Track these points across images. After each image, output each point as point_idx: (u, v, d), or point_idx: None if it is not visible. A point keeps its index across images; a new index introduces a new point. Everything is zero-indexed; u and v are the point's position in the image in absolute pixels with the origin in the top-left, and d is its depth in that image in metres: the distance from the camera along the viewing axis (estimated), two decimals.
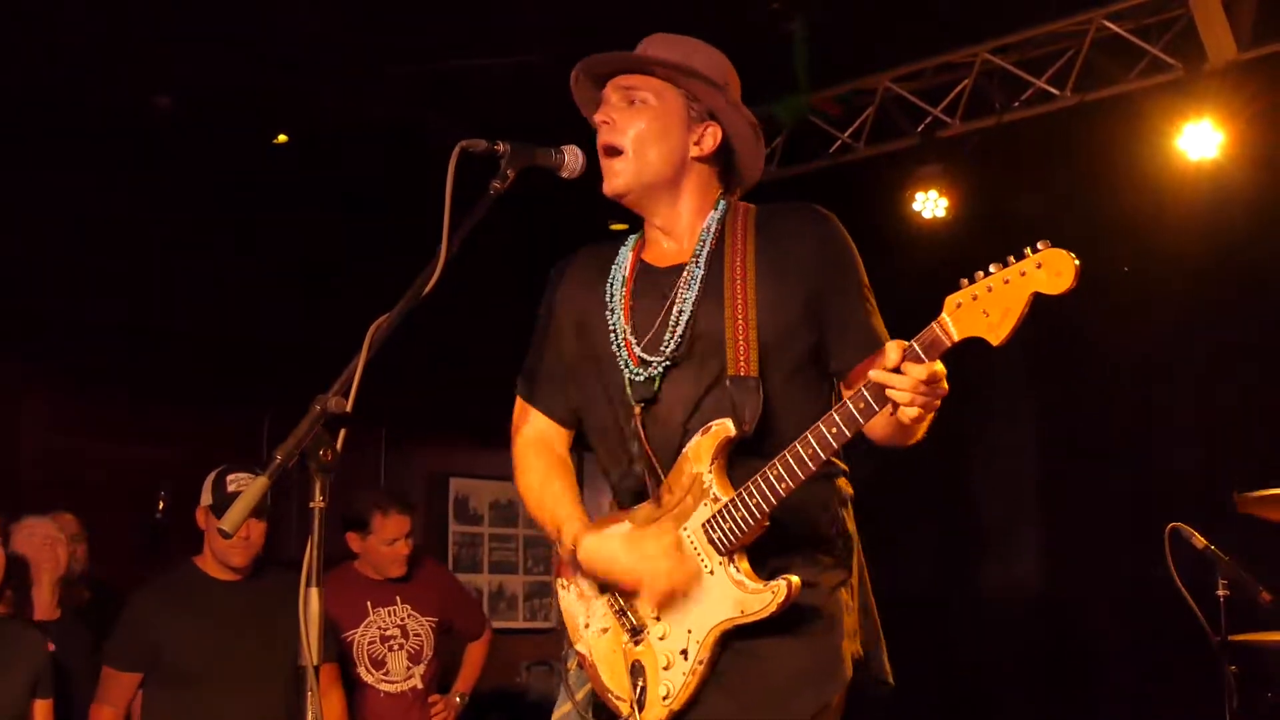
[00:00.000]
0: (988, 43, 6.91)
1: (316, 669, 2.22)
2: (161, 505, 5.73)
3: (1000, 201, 7.65)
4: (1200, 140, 6.47)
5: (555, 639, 2.94)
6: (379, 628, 5.50)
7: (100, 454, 6.68)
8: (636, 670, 2.68)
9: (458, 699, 5.72)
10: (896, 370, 2.37)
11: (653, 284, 2.83)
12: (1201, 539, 4.89)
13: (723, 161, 2.89)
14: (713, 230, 2.81)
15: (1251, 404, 6.98)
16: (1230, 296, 6.99)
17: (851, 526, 2.82)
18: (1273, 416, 6.80)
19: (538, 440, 2.97)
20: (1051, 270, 2.27)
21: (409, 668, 5.48)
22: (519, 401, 3.03)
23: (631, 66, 2.84)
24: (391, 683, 5.44)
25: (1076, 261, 2.25)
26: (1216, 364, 7.11)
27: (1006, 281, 2.30)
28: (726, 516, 2.57)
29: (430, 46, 6.37)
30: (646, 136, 2.78)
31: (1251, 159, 6.52)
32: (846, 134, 7.58)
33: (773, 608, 2.54)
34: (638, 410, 2.73)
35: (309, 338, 6.68)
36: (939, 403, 2.43)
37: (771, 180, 7.79)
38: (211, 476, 4.85)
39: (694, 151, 2.83)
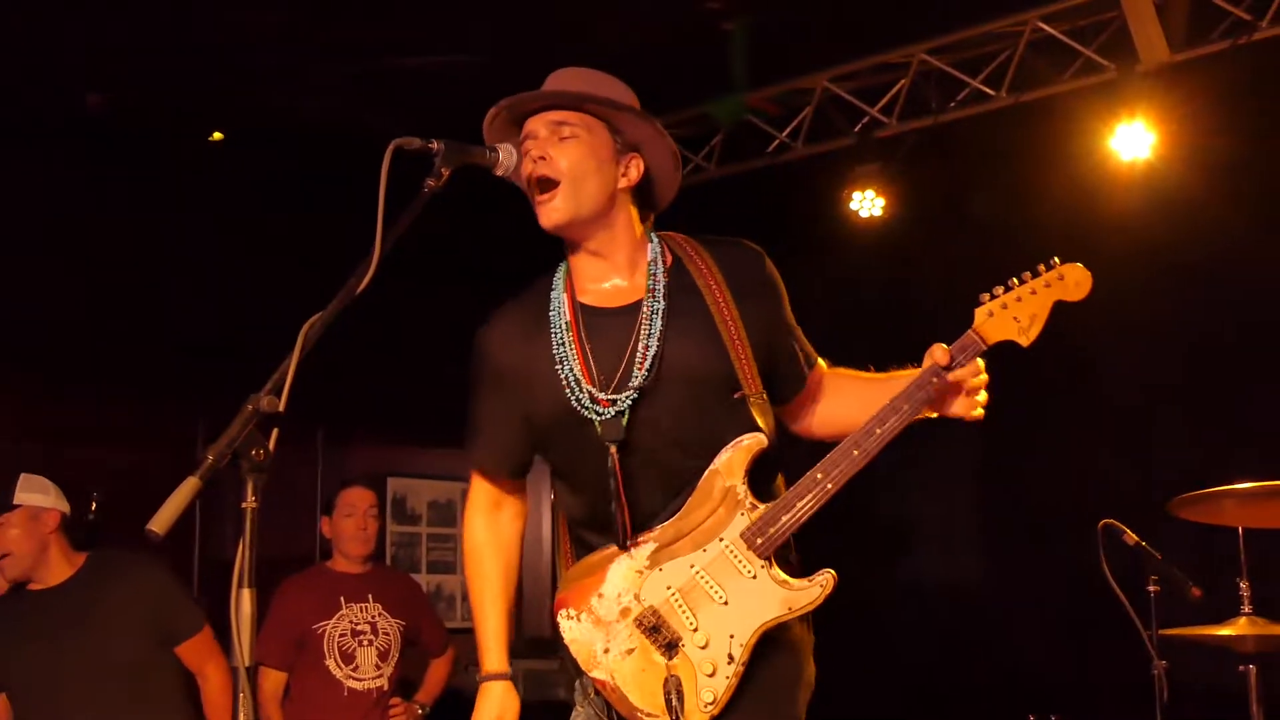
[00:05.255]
0: (924, 43, 6.96)
1: (250, 670, 2.19)
2: (94, 505, 5.65)
3: (937, 201, 7.70)
4: (1133, 141, 6.55)
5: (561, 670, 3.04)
6: (350, 621, 5.57)
7: (31, 454, 6.58)
8: (671, 684, 2.74)
9: (419, 708, 5.75)
10: (949, 367, 2.87)
11: (606, 325, 2.86)
12: (1133, 535, 4.98)
13: (641, 190, 2.95)
14: (660, 263, 2.89)
15: (1184, 403, 7.05)
16: (1162, 296, 7.07)
17: None
18: (1205, 416, 6.89)
19: (484, 506, 3.11)
20: (1072, 281, 2.81)
21: (378, 666, 5.55)
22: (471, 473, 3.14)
23: (561, 103, 2.85)
24: (360, 680, 5.50)
25: (1089, 274, 2.76)
26: (1148, 363, 7.17)
27: (1034, 292, 2.81)
28: (771, 521, 2.74)
29: (365, 45, 6.33)
30: (582, 169, 2.81)
31: (1183, 159, 6.61)
32: (784, 133, 7.60)
33: (820, 600, 2.74)
34: (613, 450, 2.79)
35: (244, 337, 6.61)
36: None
37: (709, 180, 7.82)
38: None
39: (622, 183, 2.88)
